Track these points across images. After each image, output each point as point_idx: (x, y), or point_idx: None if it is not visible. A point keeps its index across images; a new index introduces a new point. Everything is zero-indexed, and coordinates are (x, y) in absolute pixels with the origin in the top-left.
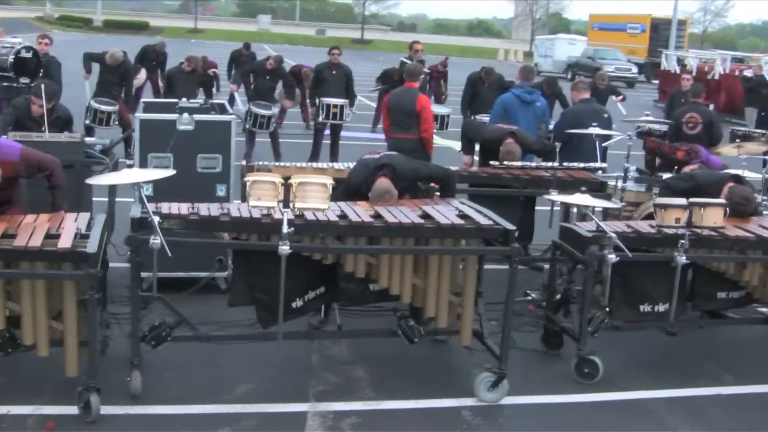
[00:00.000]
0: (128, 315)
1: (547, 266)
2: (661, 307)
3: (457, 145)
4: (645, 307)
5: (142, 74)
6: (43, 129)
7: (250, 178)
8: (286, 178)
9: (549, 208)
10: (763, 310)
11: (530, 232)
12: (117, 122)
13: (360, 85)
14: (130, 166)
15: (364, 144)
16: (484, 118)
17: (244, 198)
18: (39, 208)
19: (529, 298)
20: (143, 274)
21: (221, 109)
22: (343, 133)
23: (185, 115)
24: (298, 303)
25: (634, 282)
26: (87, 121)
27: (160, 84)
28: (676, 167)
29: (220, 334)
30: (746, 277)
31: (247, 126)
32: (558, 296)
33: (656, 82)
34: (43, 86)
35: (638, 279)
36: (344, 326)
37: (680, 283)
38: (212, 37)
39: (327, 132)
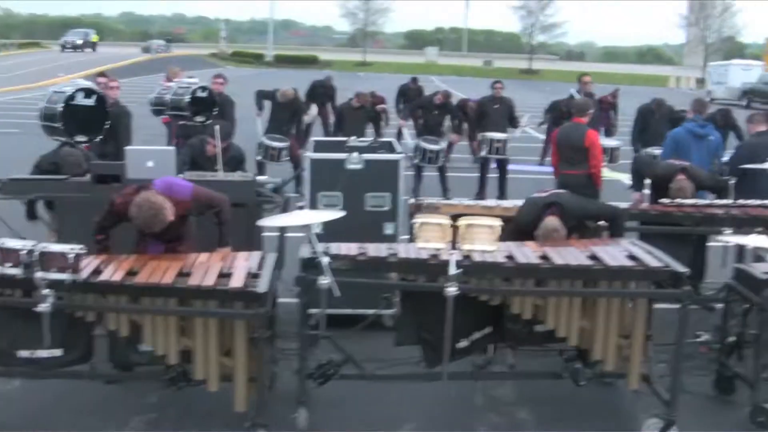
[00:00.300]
0: (296, 350)
1: (719, 306)
2: None
3: (625, 177)
4: None
5: (313, 110)
6: (217, 168)
7: (418, 219)
8: (455, 218)
9: (722, 245)
10: None
11: (702, 271)
12: (288, 158)
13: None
14: (301, 207)
15: (532, 177)
16: (655, 150)
17: (412, 235)
18: (206, 244)
19: (701, 339)
20: (311, 310)
21: (389, 148)
22: (510, 167)
23: (354, 154)
24: (463, 343)
25: None
26: (259, 157)
27: (331, 118)
28: None
29: (386, 373)
30: None
31: (416, 161)
32: (731, 338)
33: None
34: (217, 127)
35: None
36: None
37: None
38: (380, 70)
39: (494, 166)
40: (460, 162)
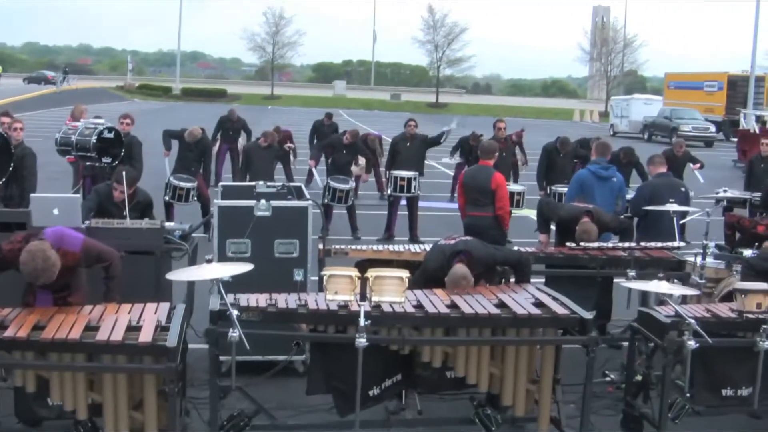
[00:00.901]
0: (207, 400)
1: (626, 344)
2: (744, 391)
3: (532, 213)
4: (727, 392)
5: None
6: (125, 214)
7: (326, 272)
8: (363, 264)
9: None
10: None
11: (608, 311)
12: (196, 198)
13: (436, 151)
14: (209, 260)
15: (442, 214)
16: (561, 188)
17: (321, 280)
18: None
19: (608, 379)
20: (222, 358)
21: (298, 193)
22: (421, 203)
23: (262, 201)
24: (375, 391)
25: (715, 366)
26: (167, 198)
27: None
28: (756, 243)
29: (298, 423)
30: None
31: (326, 200)
32: (638, 377)
33: (735, 140)
34: (124, 173)
35: (719, 363)
36: (422, 410)
37: (764, 365)
38: (288, 104)
39: (404, 203)
40: (368, 200)
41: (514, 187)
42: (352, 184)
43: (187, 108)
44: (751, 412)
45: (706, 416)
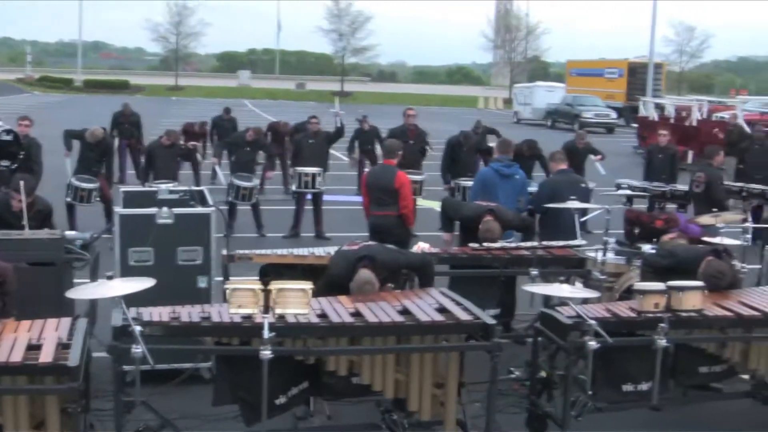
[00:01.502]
0: (112, 411)
1: (530, 340)
2: (644, 386)
3: (437, 205)
4: (628, 387)
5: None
6: (24, 224)
7: (229, 286)
8: (266, 272)
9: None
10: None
11: (512, 309)
12: (98, 199)
13: (342, 142)
14: (110, 276)
15: (348, 209)
16: (464, 182)
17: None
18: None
19: (513, 376)
20: (126, 368)
21: (201, 198)
22: (327, 197)
23: (165, 208)
24: (281, 399)
25: (616, 364)
26: (68, 199)
27: (141, 147)
28: (655, 238)
29: None
30: (727, 354)
31: (230, 198)
32: (542, 373)
33: (635, 126)
34: (22, 183)
35: (620, 360)
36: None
37: (662, 361)
38: (193, 95)
39: (309, 198)
40: (273, 194)
41: (413, 176)
42: (255, 181)
43: (89, 100)
44: (652, 405)
45: (608, 412)
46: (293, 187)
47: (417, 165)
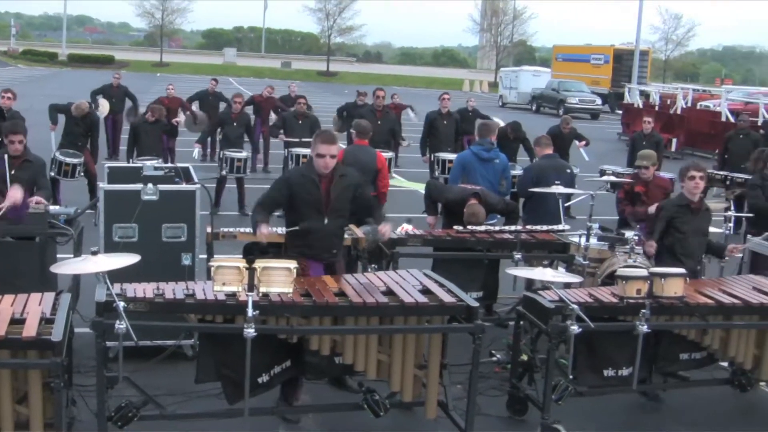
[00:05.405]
0: (94, 387)
1: (512, 323)
2: (624, 372)
3: (421, 188)
4: (609, 372)
5: (105, 106)
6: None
7: (214, 263)
8: (250, 261)
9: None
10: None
11: (495, 292)
12: (83, 174)
13: (328, 122)
14: (95, 252)
15: None
16: (443, 156)
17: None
18: None
19: (495, 359)
20: (109, 344)
21: (186, 175)
22: None
23: (149, 185)
24: (264, 378)
25: (598, 348)
26: (52, 173)
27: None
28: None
29: (187, 413)
30: (707, 341)
31: (224, 172)
32: (523, 356)
33: (620, 112)
34: (6, 156)
35: (601, 345)
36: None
37: (643, 347)
38: (178, 71)
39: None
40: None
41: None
42: (246, 154)
43: (73, 74)
44: (653, 396)
45: (588, 396)
46: (224, 172)
47: (385, 145)
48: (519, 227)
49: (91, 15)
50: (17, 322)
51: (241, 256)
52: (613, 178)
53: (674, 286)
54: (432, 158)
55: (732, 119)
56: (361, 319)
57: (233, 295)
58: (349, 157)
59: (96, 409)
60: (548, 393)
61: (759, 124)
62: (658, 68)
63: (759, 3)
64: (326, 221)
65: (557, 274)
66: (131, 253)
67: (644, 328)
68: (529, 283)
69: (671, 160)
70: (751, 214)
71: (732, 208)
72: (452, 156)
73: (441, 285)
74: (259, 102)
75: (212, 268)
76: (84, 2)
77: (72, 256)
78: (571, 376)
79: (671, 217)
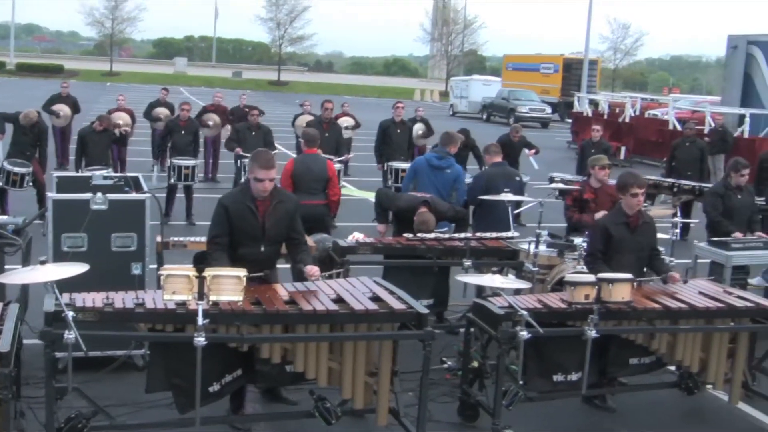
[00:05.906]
0: (44, 399)
1: (463, 330)
2: (573, 376)
3: (371, 196)
4: (558, 377)
5: (66, 111)
6: None
7: (164, 272)
8: (200, 270)
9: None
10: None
11: (445, 299)
12: (31, 183)
13: (279, 132)
14: (43, 261)
15: None
16: (396, 165)
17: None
18: None
19: (446, 366)
20: (58, 354)
21: (135, 184)
22: None
23: (99, 194)
24: (215, 387)
25: (547, 354)
26: (1, 183)
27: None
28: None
29: (138, 423)
30: (655, 345)
31: (172, 180)
32: (474, 363)
33: (570, 121)
34: None
35: (551, 351)
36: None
37: (592, 352)
38: (128, 80)
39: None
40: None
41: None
42: (196, 162)
43: (22, 83)
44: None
45: (538, 401)
46: (172, 180)
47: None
48: (469, 234)
49: (40, 23)
50: None
51: (191, 265)
52: (561, 186)
53: (622, 291)
54: (385, 167)
55: (679, 127)
56: (312, 326)
57: (183, 303)
58: (300, 166)
59: (45, 421)
60: (499, 399)
61: (705, 132)
62: (607, 77)
63: (705, 14)
64: (262, 248)
65: (507, 281)
66: (80, 262)
67: (593, 333)
68: (480, 290)
69: (620, 168)
70: (696, 221)
71: (678, 214)
72: (405, 165)
73: (391, 292)
74: (211, 111)
75: (162, 277)
76: (32, 11)
77: (20, 266)
78: (521, 382)
79: (608, 236)
